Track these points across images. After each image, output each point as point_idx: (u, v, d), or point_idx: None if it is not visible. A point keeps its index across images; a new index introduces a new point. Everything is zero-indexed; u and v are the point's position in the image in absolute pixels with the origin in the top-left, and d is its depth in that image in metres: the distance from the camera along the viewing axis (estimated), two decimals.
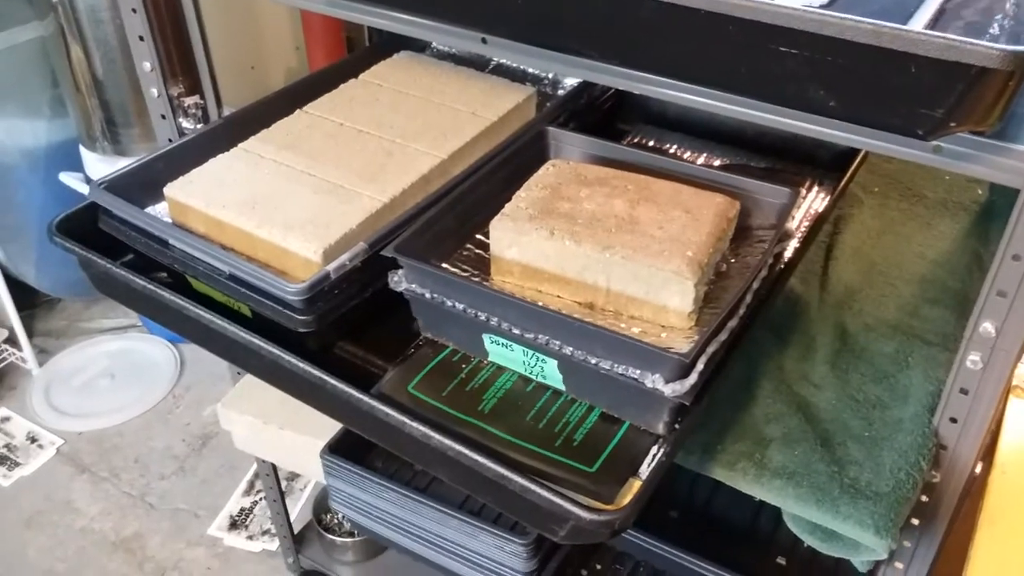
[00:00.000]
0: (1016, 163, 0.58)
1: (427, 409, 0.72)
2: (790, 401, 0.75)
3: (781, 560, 0.90)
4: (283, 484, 1.41)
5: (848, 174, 0.91)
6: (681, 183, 0.81)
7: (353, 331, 0.80)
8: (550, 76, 1.12)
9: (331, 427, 1.00)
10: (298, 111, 1.00)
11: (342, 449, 0.97)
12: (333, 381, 0.70)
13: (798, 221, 0.85)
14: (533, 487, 0.62)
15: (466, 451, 0.65)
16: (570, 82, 1.10)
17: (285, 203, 0.84)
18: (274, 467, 1.30)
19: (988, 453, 0.78)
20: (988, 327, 0.64)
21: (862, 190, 0.99)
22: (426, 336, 0.79)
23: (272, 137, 0.95)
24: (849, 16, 0.53)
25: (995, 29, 0.65)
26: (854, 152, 0.96)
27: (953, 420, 0.69)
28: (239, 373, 1.18)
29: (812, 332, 0.82)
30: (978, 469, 0.72)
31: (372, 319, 0.81)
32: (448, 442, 0.65)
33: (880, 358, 0.79)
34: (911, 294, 0.85)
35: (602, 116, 1.08)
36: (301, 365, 0.72)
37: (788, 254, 0.81)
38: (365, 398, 0.69)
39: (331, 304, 0.76)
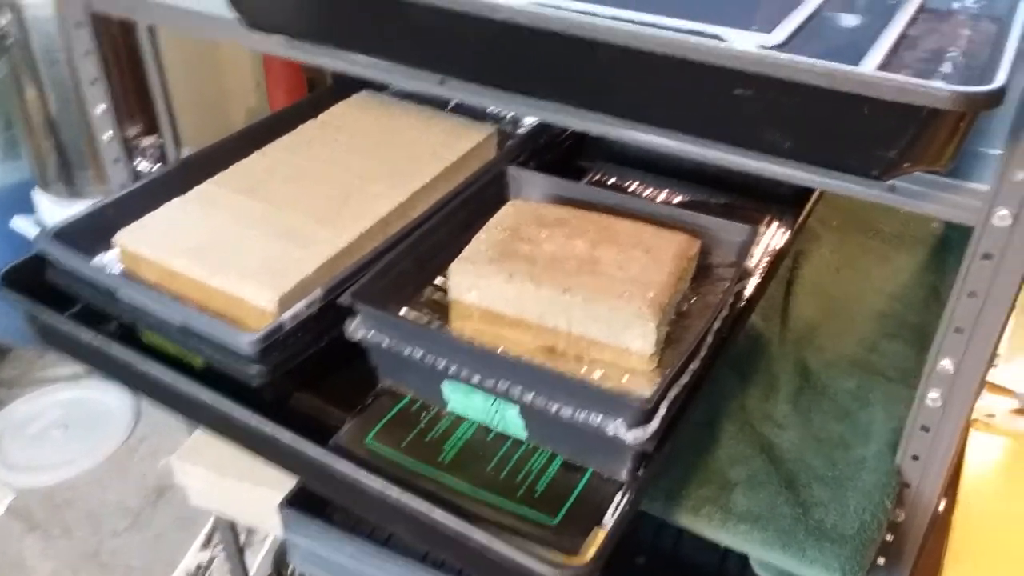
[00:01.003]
0: (968, 200, 0.58)
1: (385, 462, 0.70)
2: (754, 442, 0.74)
3: None
4: (242, 537, 1.37)
5: (806, 210, 0.92)
6: (642, 222, 0.81)
7: (310, 381, 0.78)
8: (510, 115, 1.12)
9: (290, 479, 0.97)
10: (256, 153, 0.99)
11: (300, 502, 0.95)
12: (287, 435, 0.68)
13: (758, 258, 0.85)
14: (494, 543, 0.60)
15: (424, 507, 0.63)
16: (530, 120, 1.10)
17: (240, 250, 0.83)
18: (233, 522, 1.27)
19: (951, 489, 0.78)
20: (946, 364, 0.64)
21: (820, 225, 0.99)
22: (385, 385, 0.77)
23: (229, 180, 0.94)
24: (801, 58, 0.53)
25: (947, 67, 0.66)
26: (812, 188, 0.96)
27: (915, 458, 0.69)
28: (192, 426, 1.15)
29: (774, 370, 0.82)
30: (941, 506, 0.72)
31: (330, 368, 0.79)
32: (406, 497, 0.64)
33: (842, 395, 0.78)
34: (870, 329, 0.86)
35: (563, 154, 1.08)
36: (254, 419, 0.70)
37: (749, 291, 0.81)
38: (321, 452, 0.67)
39: (286, 354, 0.74)
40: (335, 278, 0.79)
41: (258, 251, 0.82)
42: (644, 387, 0.70)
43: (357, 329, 0.73)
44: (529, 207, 0.84)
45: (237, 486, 1.05)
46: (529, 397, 0.67)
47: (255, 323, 0.76)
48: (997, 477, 0.76)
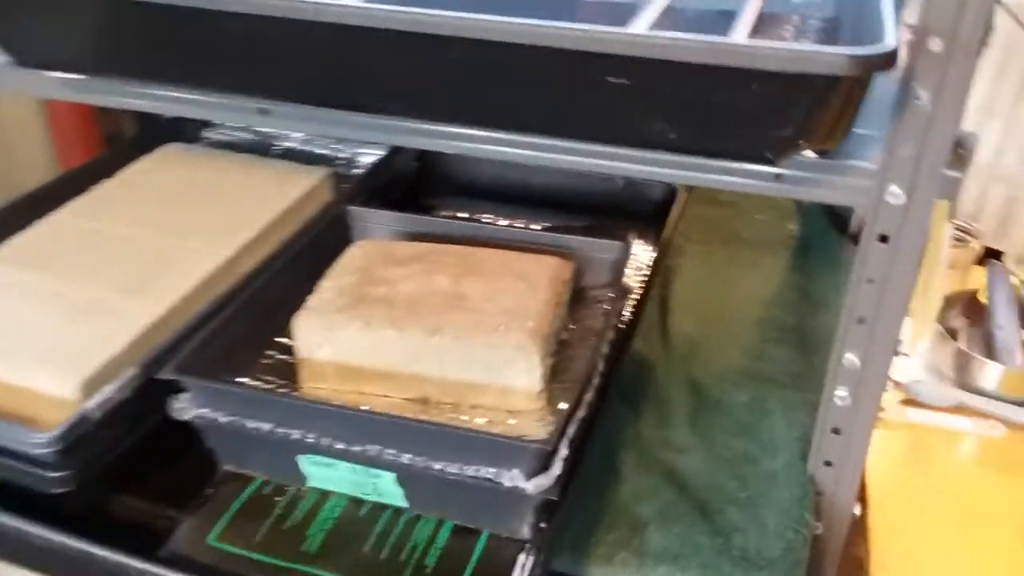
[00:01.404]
0: (858, 181, 0.54)
1: (237, 564, 0.57)
2: (658, 472, 0.67)
3: None
4: None
5: (672, 221, 0.88)
6: (504, 250, 0.73)
7: (130, 481, 0.64)
8: (343, 155, 1.03)
9: None
10: (42, 221, 0.84)
11: None
12: (104, 552, 0.54)
13: (628, 277, 0.79)
14: None
15: None
16: (367, 160, 1.01)
17: (29, 334, 0.68)
18: None
19: (859, 493, 0.74)
20: (851, 358, 0.59)
21: (683, 239, 0.96)
22: (227, 470, 0.64)
23: (9, 255, 0.79)
24: (680, 35, 0.47)
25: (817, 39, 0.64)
26: (670, 200, 0.93)
27: (828, 463, 0.64)
28: None
29: (663, 393, 0.75)
30: (856, 511, 0.67)
31: (155, 461, 0.66)
32: None
33: (737, 409, 0.73)
34: (752, 337, 0.82)
35: (405, 192, 0.99)
36: (58, 538, 0.55)
37: (627, 313, 0.75)
38: (149, 567, 0.54)
39: (96, 450, 0.60)
40: (152, 352, 0.66)
41: (51, 332, 0.68)
42: (535, 429, 0.62)
43: (185, 407, 0.61)
44: (377, 246, 0.74)
45: None
46: (406, 459, 0.57)
47: (55, 417, 0.62)
48: (902, 473, 0.73)
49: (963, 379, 0.81)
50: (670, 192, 0.95)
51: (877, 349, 0.58)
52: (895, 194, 0.53)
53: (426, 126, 0.58)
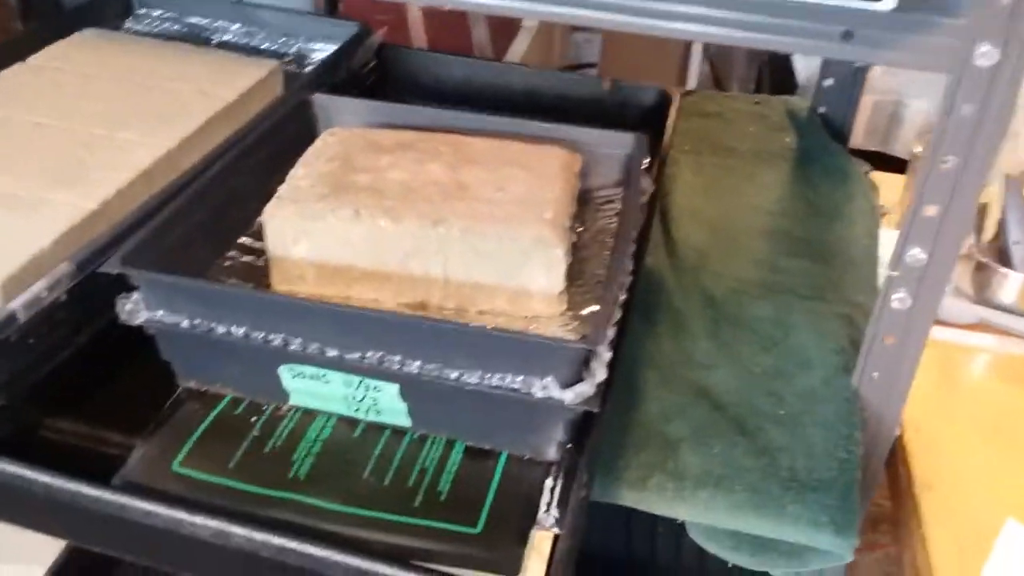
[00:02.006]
0: (942, 40, 0.47)
1: (211, 492, 0.47)
2: (685, 389, 0.60)
3: None
4: None
5: (669, 126, 0.79)
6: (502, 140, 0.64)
7: (70, 400, 0.53)
8: (292, 51, 0.90)
9: (49, 547, 0.69)
10: None
11: (73, 574, 0.67)
12: (47, 478, 0.43)
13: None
14: None
15: (292, 544, 0.41)
16: (321, 56, 0.89)
17: None
18: None
19: None
20: (917, 253, 0.53)
21: (675, 149, 0.88)
22: (188, 387, 0.53)
23: None
24: None
25: None
26: (663, 106, 0.85)
27: (877, 376, 0.58)
28: None
29: (676, 305, 0.68)
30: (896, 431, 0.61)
31: (97, 377, 0.54)
32: (260, 536, 0.41)
33: (760, 323, 0.66)
34: (763, 248, 0.75)
35: (364, 91, 0.88)
36: None
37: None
38: (107, 494, 0.43)
39: (23, 361, 0.49)
40: (89, 248, 0.54)
41: None
42: (560, 335, 0.53)
43: (137, 309, 0.49)
44: (355, 134, 0.64)
45: None
46: (414, 367, 0.48)
47: None
48: (934, 392, 0.68)
49: (983, 295, 0.76)
50: (662, 97, 0.87)
51: (946, 241, 0.52)
52: (985, 53, 0.46)
53: None
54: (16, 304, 0.48)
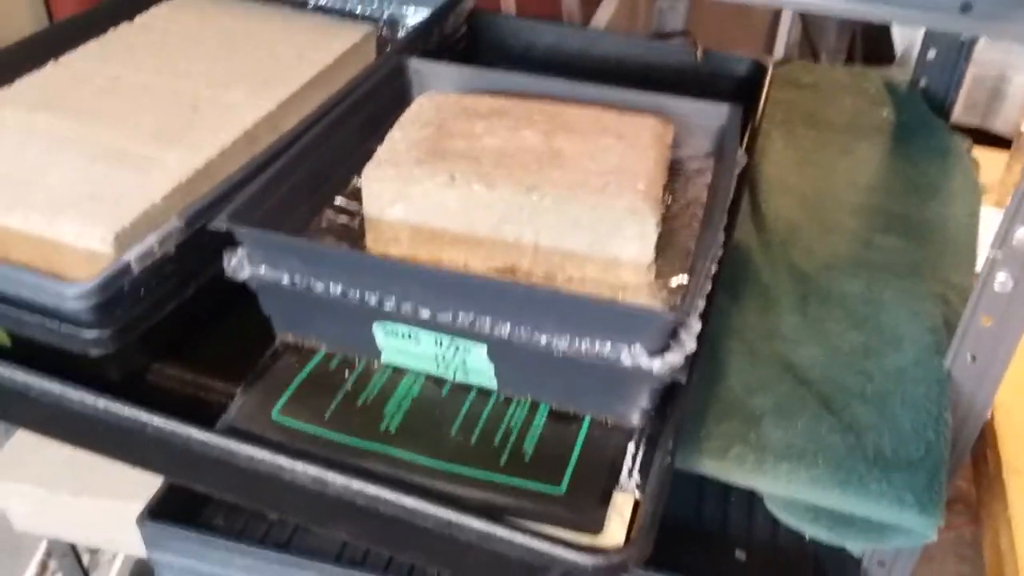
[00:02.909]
0: None
1: (307, 441, 0.49)
2: (770, 364, 0.60)
3: (740, 555, 0.75)
4: (85, 559, 1.09)
5: (762, 97, 0.78)
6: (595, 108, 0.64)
7: (175, 347, 0.56)
8: (385, 15, 0.91)
9: (145, 485, 0.74)
10: (52, 63, 0.73)
11: (167, 511, 0.70)
12: (158, 421, 0.46)
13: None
14: (501, 532, 0.41)
15: (386, 493, 0.43)
16: (413, 20, 0.90)
17: (48, 179, 0.59)
18: (73, 546, 1.00)
19: None
20: (1022, 235, 0.51)
21: (766, 120, 0.86)
22: (285, 340, 0.56)
23: (18, 96, 0.68)
24: None
25: None
26: (757, 77, 0.83)
27: (972, 358, 0.57)
28: (7, 430, 0.87)
29: (764, 280, 0.67)
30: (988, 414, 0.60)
31: (202, 326, 0.57)
32: (356, 485, 0.43)
33: (851, 299, 0.65)
34: (857, 224, 0.73)
35: (456, 57, 0.88)
36: (103, 403, 0.46)
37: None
38: (214, 438, 0.45)
39: (137, 310, 0.51)
40: (197, 205, 0.56)
41: (77, 179, 0.59)
42: (650, 304, 0.53)
43: (241, 264, 0.52)
44: (450, 99, 0.65)
45: (75, 502, 0.79)
46: (505, 330, 0.49)
47: (83, 272, 0.53)
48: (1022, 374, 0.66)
49: None
50: (756, 68, 0.85)
51: None
52: None
53: None
54: (130, 256, 0.51)
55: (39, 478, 0.80)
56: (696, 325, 0.47)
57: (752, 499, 0.55)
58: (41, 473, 0.80)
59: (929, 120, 0.85)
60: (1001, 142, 1.02)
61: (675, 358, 0.46)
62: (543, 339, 0.48)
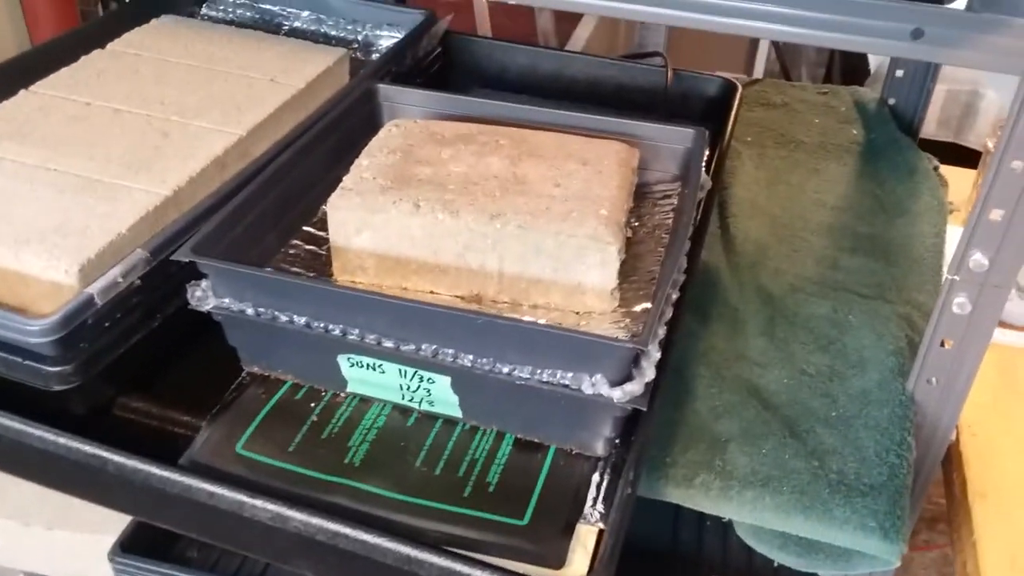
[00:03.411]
0: (1015, 42, 0.45)
1: (272, 475, 0.49)
2: (736, 388, 0.60)
3: None
4: None
5: (731, 118, 0.79)
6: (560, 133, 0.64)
7: (139, 382, 0.56)
8: (360, 37, 0.92)
9: (118, 518, 0.73)
10: (23, 91, 0.73)
11: (139, 545, 0.70)
12: (119, 458, 0.46)
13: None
14: (461, 568, 0.41)
15: (344, 529, 0.43)
16: (387, 43, 0.90)
17: (14, 210, 0.59)
18: None
19: None
20: (979, 259, 0.52)
21: (736, 141, 0.87)
22: (252, 371, 0.56)
23: None
24: None
25: None
26: (727, 97, 0.84)
27: (931, 381, 0.57)
28: None
29: (732, 302, 0.68)
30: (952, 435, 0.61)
31: (167, 359, 0.57)
32: (316, 521, 0.43)
33: (817, 321, 0.66)
34: (824, 245, 0.74)
35: (429, 80, 0.89)
36: (63, 441, 0.46)
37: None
38: (172, 475, 0.45)
39: (101, 343, 0.51)
40: (163, 235, 0.57)
41: (43, 210, 0.59)
42: (612, 331, 0.54)
43: (206, 296, 0.52)
44: (418, 125, 0.65)
45: (48, 536, 0.79)
46: (467, 360, 0.49)
47: (48, 305, 0.53)
48: (993, 396, 0.66)
49: None
50: (726, 88, 0.86)
51: (1011, 248, 0.51)
52: None
53: None
54: (94, 288, 0.51)
55: (12, 511, 0.80)
56: (656, 354, 0.47)
57: (727, 525, 0.56)
58: (14, 506, 0.80)
59: (897, 139, 0.86)
60: (974, 157, 1.03)
61: (635, 387, 0.47)
62: (505, 369, 0.48)
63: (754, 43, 1.75)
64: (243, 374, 0.55)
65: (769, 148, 0.86)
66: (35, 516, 0.79)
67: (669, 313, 0.51)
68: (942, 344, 0.56)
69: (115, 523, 0.70)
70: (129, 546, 0.67)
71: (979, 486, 0.60)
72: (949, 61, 0.48)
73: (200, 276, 0.52)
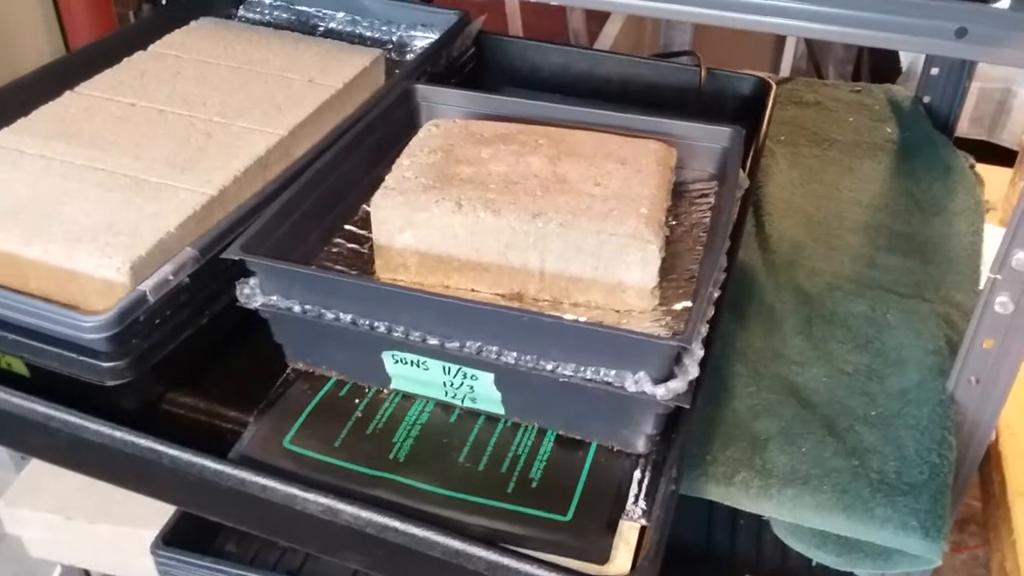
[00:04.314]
0: None
1: (318, 469, 0.50)
2: (774, 387, 0.60)
3: None
4: None
5: (767, 117, 0.79)
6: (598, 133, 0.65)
7: (188, 375, 0.57)
8: (394, 38, 0.93)
9: (159, 512, 0.75)
10: (68, 92, 0.74)
11: (180, 538, 0.72)
12: (173, 451, 0.47)
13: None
14: (508, 561, 0.42)
15: (393, 522, 0.44)
16: (421, 44, 0.91)
17: (65, 209, 0.60)
18: (86, 571, 1.01)
19: None
20: (1022, 258, 0.52)
21: (769, 140, 0.87)
22: (297, 367, 0.57)
23: (35, 126, 0.69)
24: None
25: None
26: (761, 96, 0.84)
27: (974, 380, 0.57)
28: (23, 458, 0.88)
29: (768, 301, 0.68)
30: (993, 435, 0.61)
31: (216, 354, 0.58)
32: (366, 514, 0.44)
33: (855, 320, 0.66)
34: (860, 244, 0.74)
35: (463, 80, 0.90)
36: (120, 435, 0.48)
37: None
38: (226, 468, 0.47)
39: (153, 339, 0.53)
40: (211, 234, 0.58)
41: (93, 209, 0.60)
42: (653, 329, 0.54)
43: (254, 293, 0.53)
44: (457, 125, 0.66)
45: (90, 529, 0.81)
46: (511, 357, 0.50)
47: (100, 303, 0.54)
48: None
49: None
50: (760, 86, 0.86)
51: None
52: None
53: None
54: (146, 286, 0.52)
55: (54, 505, 0.81)
56: (699, 351, 0.48)
57: (761, 523, 0.56)
58: (56, 500, 0.82)
59: (932, 137, 0.86)
60: (1007, 155, 1.02)
61: (679, 385, 0.47)
62: (548, 366, 0.49)
63: (780, 41, 1.74)
64: (288, 370, 0.56)
65: (803, 147, 0.86)
66: (78, 510, 0.81)
67: (711, 311, 0.51)
68: (983, 344, 0.56)
69: (156, 517, 0.71)
70: (171, 539, 0.68)
71: (1018, 485, 0.60)
72: (993, 60, 0.48)
73: (247, 274, 0.53)
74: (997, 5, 0.46)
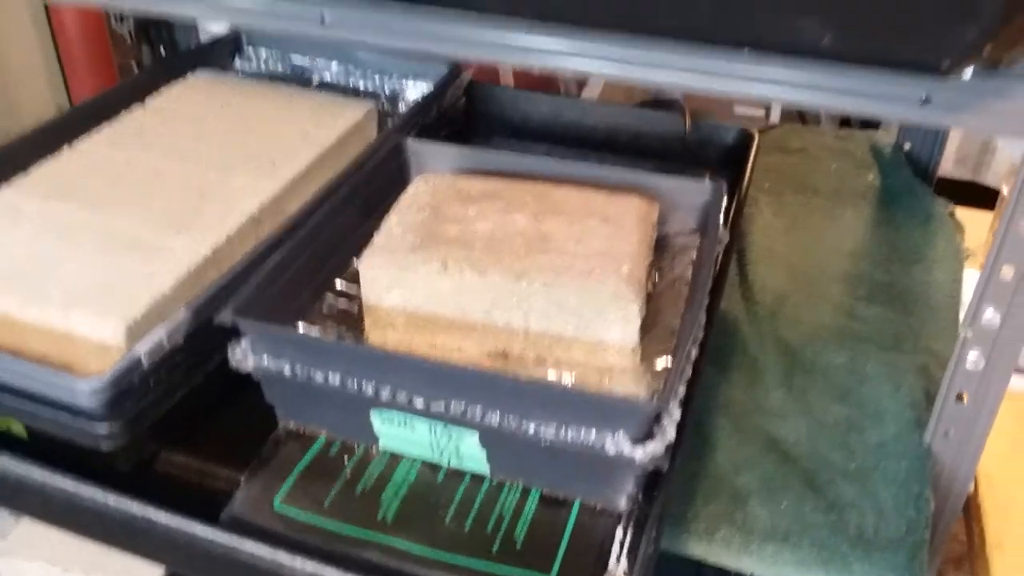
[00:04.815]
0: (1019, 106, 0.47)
1: (308, 532, 0.51)
2: (755, 440, 0.61)
3: None
4: None
5: (749, 166, 0.81)
6: (581, 188, 0.66)
7: (182, 436, 0.58)
8: (387, 89, 0.95)
9: (154, 565, 0.76)
10: (66, 150, 0.76)
11: None
12: (165, 516, 0.48)
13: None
14: None
15: None
16: (413, 95, 0.93)
17: (61, 270, 0.61)
18: None
19: None
20: (991, 316, 0.53)
21: (753, 187, 0.89)
22: (288, 427, 0.58)
23: (32, 185, 0.71)
24: None
25: None
26: (744, 145, 0.86)
27: (949, 434, 0.59)
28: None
29: (751, 351, 0.69)
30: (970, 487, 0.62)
31: (208, 415, 0.60)
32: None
33: (835, 371, 0.67)
34: (842, 293, 0.75)
35: (454, 128, 0.92)
36: (113, 499, 0.49)
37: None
38: (218, 535, 0.48)
39: (146, 402, 0.54)
40: (204, 295, 0.59)
41: (88, 270, 0.61)
42: (632, 389, 0.56)
43: (246, 356, 0.54)
44: (445, 181, 0.67)
45: None
46: (494, 419, 0.51)
47: (95, 365, 0.56)
48: (1011, 446, 0.67)
49: None
50: (743, 136, 0.88)
51: (1021, 304, 0.52)
52: None
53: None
54: (141, 349, 0.54)
55: (51, 556, 0.82)
56: (677, 413, 0.49)
57: None
58: (53, 551, 0.82)
59: (913, 185, 0.88)
60: (992, 196, 1.04)
61: (656, 447, 0.48)
62: (531, 427, 0.50)
63: None
64: (279, 429, 0.58)
65: (787, 195, 0.88)
66: (74, 562, 0.81)
67: (689, 372, 0.53)
68: (958, 398, 0.57)
69: (151, 571, 0.72)
70: None
71: (996, 538, 0.61)
72: (957, 126, 0.50)
73: (239, 333, 0.55)
74: (959, 77, 0.48)
